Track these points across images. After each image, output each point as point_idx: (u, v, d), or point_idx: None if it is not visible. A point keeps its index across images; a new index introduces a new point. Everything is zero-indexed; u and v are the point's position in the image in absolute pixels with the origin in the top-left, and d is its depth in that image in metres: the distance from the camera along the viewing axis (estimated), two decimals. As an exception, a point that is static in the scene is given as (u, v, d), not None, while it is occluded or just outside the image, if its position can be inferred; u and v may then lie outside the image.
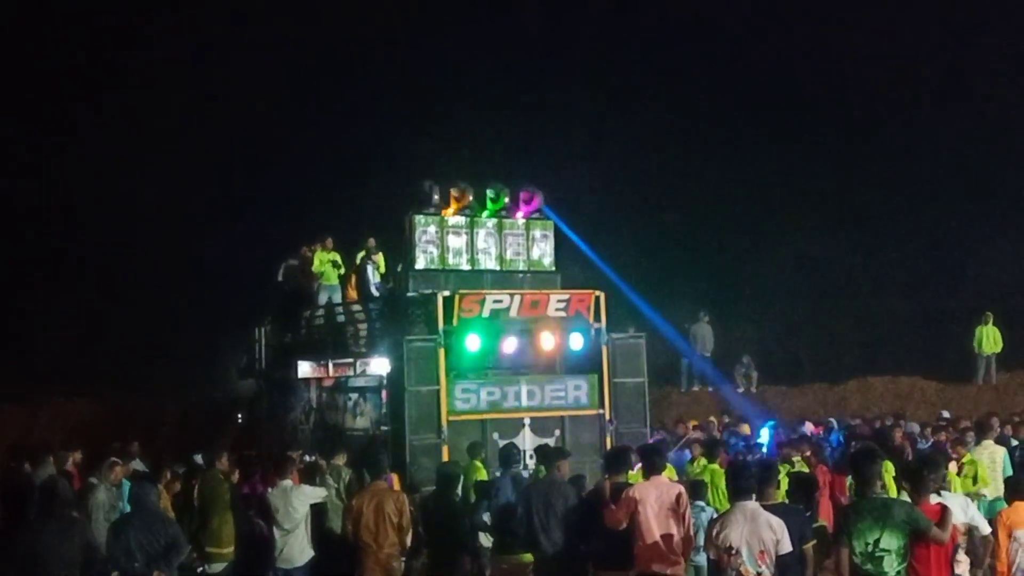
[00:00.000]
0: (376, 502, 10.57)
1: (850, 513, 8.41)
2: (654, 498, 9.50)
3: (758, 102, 30.52)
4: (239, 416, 19.64)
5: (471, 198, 16.31)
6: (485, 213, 16.36)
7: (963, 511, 9.51)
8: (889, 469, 11.63)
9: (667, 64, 30.38)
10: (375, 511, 10.51)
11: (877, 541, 8.07)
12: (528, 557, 10.76)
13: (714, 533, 8.28)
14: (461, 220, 16.31)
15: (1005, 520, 9.81)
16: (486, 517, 11.32)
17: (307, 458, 14.09)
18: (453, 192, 16.25)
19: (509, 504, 10.94)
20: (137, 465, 13.19)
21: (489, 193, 16.47)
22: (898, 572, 8.05)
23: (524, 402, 14.96)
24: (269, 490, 11.83)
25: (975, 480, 13.22)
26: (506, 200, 16.54)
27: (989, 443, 14.06)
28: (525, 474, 13.73)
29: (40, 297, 26.15)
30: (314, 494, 11.79)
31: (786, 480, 10.36)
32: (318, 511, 12.21)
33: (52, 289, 26.31)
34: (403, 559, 10.84)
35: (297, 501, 11.48)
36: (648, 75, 30.42)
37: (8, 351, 25.16)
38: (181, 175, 28.17)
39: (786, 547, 8.14)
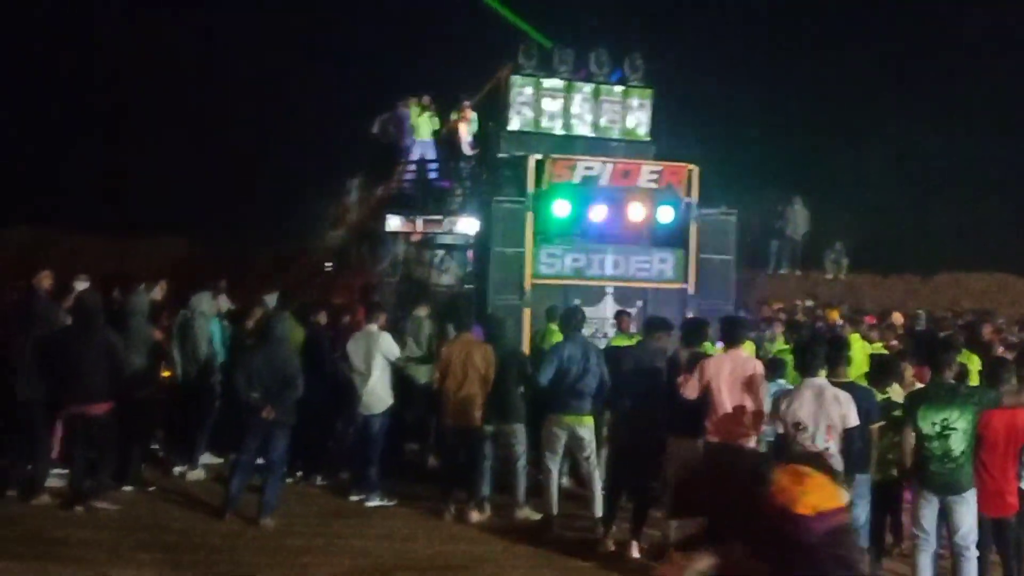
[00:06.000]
0: (466, 352, 11.06)
1: (918, 395, 8.53)
2: (728, 370, 9.52)
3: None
4: (328, 265, 20.01)
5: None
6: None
7: None
8: (975, 363, 11.48)
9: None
10: (464, 360, 10.99)
11: (946, 420, 8.19)
12: (588, 419, 10.79)
13: (782, 408, 8.33)
14: (558, 83, 16.14)
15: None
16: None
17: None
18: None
19: (572, 364, 10.72)
20: (223, 302, 13.59)
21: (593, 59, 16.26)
22: (963, 452, 8.18)
23: (608, 271, 14.93)
24: (354, 335, 12.06)
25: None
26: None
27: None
28: (603, 342, 13.89)
29: (136, 134, 26.58)
30: (393, 351, 11.81)
31: (867, 360, 10.33)
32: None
33: (149, 127, 26.71)
34: (482, 409, 11.09)
35: (378, 348, 11.66)
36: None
37: (102, 186, 25.76)
38: (286, 23, 28.13)
39: (852, 421, 8.18)
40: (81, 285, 12.93)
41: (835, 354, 8.86)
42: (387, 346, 11.74)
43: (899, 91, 29.07)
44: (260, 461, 10.81)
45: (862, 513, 8.65)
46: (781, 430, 8.40)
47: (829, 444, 8.11)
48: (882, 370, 9.67)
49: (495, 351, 11.18)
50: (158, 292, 13.52)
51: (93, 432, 10.56)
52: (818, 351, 8.59)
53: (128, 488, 11.15)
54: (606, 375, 10.80)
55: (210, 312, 12.78)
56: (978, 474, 8.42)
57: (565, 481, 11.43)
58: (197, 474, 12.23)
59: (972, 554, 8.33)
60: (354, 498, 11.60)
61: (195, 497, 11.35)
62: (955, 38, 29.37)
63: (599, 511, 10.68)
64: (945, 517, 8.45)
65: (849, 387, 8.61)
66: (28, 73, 26.54)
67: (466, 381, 11.00)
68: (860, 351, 12.31)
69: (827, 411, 8.14)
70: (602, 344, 13.70)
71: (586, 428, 10.79)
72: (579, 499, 11.22)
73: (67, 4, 27.39)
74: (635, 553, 9.96)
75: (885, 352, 12.45)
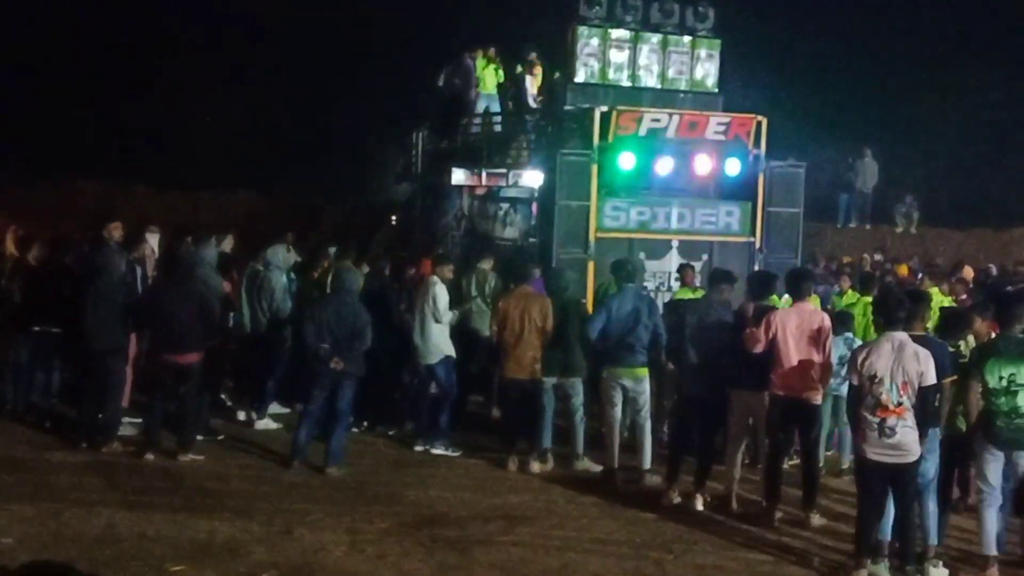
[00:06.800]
0: (522, 305, 11.04)
1: (986, 349, 8.38)
2: (795, 324, 9.46)
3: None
4: (393, 218, 20.09)
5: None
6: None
7: None
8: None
9: None
10: (521, 313, 10.99)
11: (1013, 375, 8.10)
12: (641, 371, 10.76)
13: (859, 360, 8.18)
14: (625, 34, 15.91)
15: None
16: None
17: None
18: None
19: (621, 317, 10.66)
20: (290, 255, 13.71)
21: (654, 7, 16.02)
22: None
23: (674, 224, 14.78)
24: (419, 286, 12.09)
25: None
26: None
27: None
28: (667, 295, 13.83)
29: (207, 88, 26.79)
30: (440, 303, 11.63)
31: (938, 314, 10.16)
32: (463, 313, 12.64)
33: (221, 83, 26.91)
34: (540, 361, 11.09)
35: (438, 298, 11.64)
36: None
37: (176, 140, 26.05)
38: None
39: (929, 379, 8.02)
40: (152, 236, 13.15)
41: (914, 308, 8.69)
42: (437, 297, 11.62)
43: (974, 39, 28.34)
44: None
45: (932, 467, 8.55)
46: (855, 382, 8.26)
47: (903, 399, 7.98)
48: (952, 323, 9.50)
49: (555, 304, 11.16)
50: (227, 244, 13.69)
51: (185, 379, 10.82)
52: (902, 304, 8.41)
53: (199, 437, 11.34)
54: (660, 327, 10.76)
55: (283, 265, 12.93)
56: (1045, 429, 8.27)
57: (627, 434, 11.42)
58: (265, 423, 12.41)
59: (1039, 509, 8.23)
60: (419, 448, 11.70)
61: (263, 446, 11.53)
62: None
63: (647, 463, 10.74)
64: (1011, 472, 8.40)
65: (924, 340, 8.44)
66: (97, 27, 26.82)
67: (523, 334, 10.99)
68: (935, 305, 12.13)
69: (904, 366, 7.97)
70: (666, 297, 13.71)
71: (639, 380, 10.76)
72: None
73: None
74: (699, 506, 9.96)
75: (955, 306, 12.24)
